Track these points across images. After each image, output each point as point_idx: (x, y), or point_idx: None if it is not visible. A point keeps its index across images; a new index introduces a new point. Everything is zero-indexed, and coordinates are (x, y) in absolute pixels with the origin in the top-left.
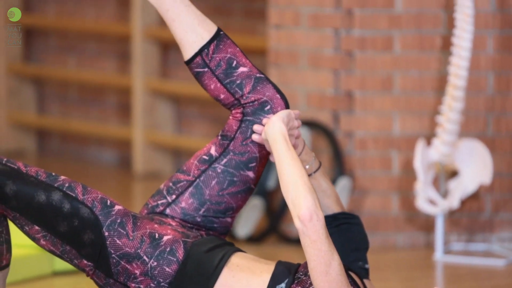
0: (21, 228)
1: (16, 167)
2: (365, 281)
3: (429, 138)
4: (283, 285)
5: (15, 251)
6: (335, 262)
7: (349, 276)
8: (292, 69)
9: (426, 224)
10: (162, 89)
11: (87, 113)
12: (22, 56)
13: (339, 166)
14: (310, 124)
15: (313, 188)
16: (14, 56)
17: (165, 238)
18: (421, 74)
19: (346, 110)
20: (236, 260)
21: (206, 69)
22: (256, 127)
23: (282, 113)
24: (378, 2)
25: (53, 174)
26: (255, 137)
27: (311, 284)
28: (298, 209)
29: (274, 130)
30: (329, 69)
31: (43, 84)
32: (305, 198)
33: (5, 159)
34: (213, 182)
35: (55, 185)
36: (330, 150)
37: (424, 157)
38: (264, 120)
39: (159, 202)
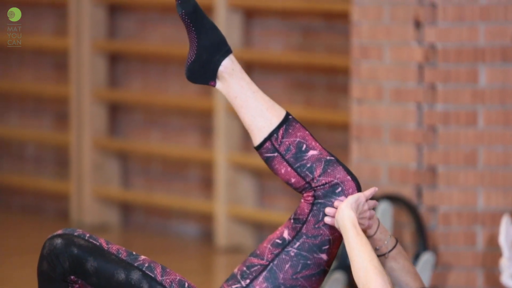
0: None
1: (98, 243)
2: None
3: None
4: None
5: None
6: None
7: None
8: (374, 143)
9: None
10: (244, 163)
11: (170, 187)
12: (107, 131)
13: (422, 241)
14: (392, 198)
15: (384, 272)
16: (99, 131)
17: None
18: (505, 149)
19: (430, 184)
20: None
21: (276, 154)
22: (328, 210)
23: (351, 199)
24: (461, 76)
25: (134, 253)
26: (327, 219)
27: None
28: None
29: (343, 218)
30: (412, 143)
31: (127, 158)
32: (375, 282)
33: (88, 235)
34: (287, 266)
35: (135, 264)
36: (413, 225)
37: (509, 233)
38: (336, 203)
39: (233, 286)
